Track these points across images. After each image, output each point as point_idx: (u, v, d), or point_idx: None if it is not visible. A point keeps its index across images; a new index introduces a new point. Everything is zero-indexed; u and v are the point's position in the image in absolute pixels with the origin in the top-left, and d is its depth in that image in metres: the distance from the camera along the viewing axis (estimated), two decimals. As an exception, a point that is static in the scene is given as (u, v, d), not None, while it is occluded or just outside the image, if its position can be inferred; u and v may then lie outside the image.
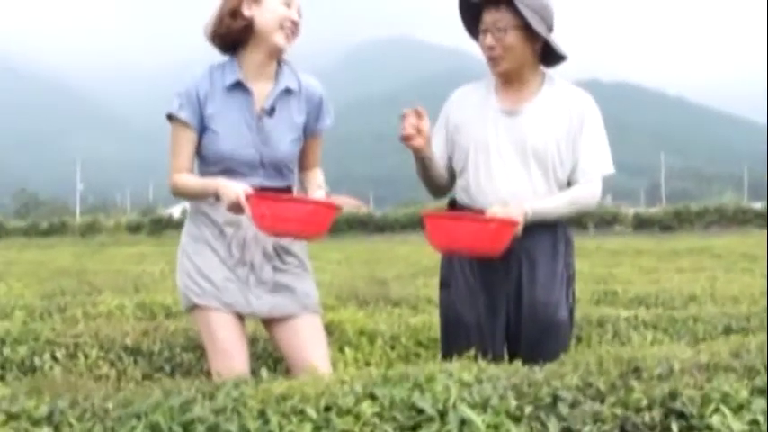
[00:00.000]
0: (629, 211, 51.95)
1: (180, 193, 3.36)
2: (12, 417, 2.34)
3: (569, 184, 3.55)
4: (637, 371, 2.72)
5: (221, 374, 3.20)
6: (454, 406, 2.44)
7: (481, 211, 3.38)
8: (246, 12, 3.25)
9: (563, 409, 2.49)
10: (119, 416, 2.36)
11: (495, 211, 3.33)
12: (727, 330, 5.08)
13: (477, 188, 3.52)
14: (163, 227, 48.28)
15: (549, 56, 3.55)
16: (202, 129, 3.31)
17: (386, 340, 4.65)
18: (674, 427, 2.46)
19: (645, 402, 2.51)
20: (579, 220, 45.88)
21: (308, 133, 3.49)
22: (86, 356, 4.18)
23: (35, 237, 47.47)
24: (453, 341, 3.59)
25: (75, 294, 7.77)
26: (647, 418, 2.49)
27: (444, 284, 3.69)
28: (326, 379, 2.64)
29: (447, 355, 3.49)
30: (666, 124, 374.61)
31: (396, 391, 2.48)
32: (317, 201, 3.26)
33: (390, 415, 2.40)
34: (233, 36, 3.31)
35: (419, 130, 3.42)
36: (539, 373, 2.70)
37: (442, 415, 2.42)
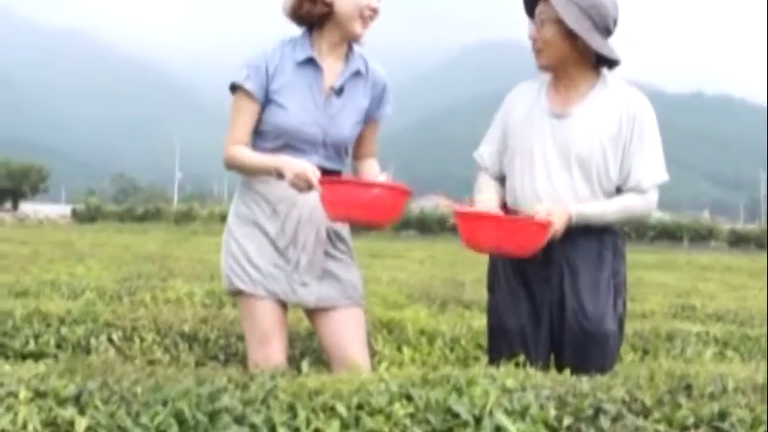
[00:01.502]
0: (725, 226, 50.85)
1: (235, 166, 3.29)
2: (39, 395, 2.33)
3: (620, 190, 3.41)
4: (688, 387, 2.60)
5: (258, 363, 3.18)
6: (491, 412, 2.35)
7: (519, 212, 3.30)
8: None
9: (604, 422, 2.38)
10: (146, 401, 2.33)
11: (537, 211, 3.23)
12: (798, 352, 4.88)
13: (521, 192, 3.42)
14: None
15: (607, 59, 3.40)
16: (266, 102, 3.26)
17: (446, 342, 4.57)
18: (722, 447, 2.35)
19: (692, 420, 2.39)
20: (674, 234, 45.14)
21: (368, 118, 3.44)
22: (142, 340, 4.18)
23: (130, 222, 48.47)
24: (497, 347, 3.50)
25: (148, 279, 7.85)
26: (692, 437, 2.38)
27: (490, 289, 3.62)
28: (363, 376, 2.57)
29: (493, 361, 3.40)
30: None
31: (432, 394, 2.41)
32: (391, 185, 3.13)
33: (424, 417, 2.33)
34: (312, 18, 3.28)
35: None
36: (586, 383, 2.60)
37: (478, 420, 2.34)
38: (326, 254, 3.35)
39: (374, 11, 3.23)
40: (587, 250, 3.38)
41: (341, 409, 2.31)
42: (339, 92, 3.31)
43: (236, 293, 3.33)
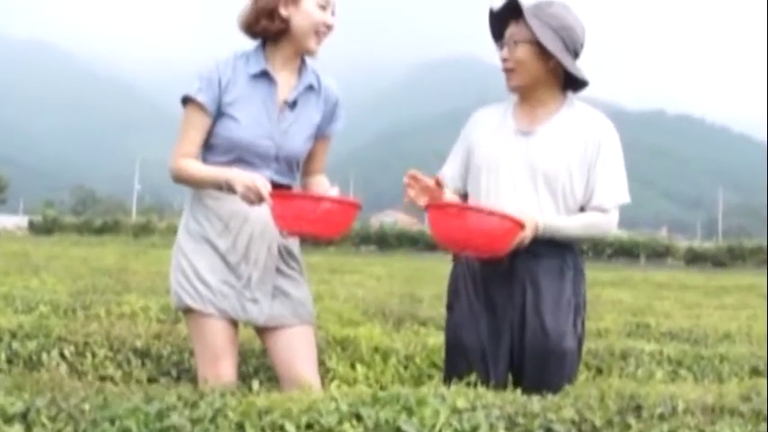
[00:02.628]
0: (683, 244, 51.35)
1: (183, 179, 3.26)
2: (-14, 412, 2.30)
3: (582, 209, 3.45)
4: (637, 408, 2.61)
5: (207, 380, 3.16)
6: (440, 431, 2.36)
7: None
8: (284, 12, 3.20)
9: (552, 443, 2.40)
10: (93, 418, 2.31)
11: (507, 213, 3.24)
12: (754, 372, 4.92)
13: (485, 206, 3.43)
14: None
15: (574, 80, 3.45)
16: (218, 115, 3.24)
17: (400, 359, 4.56)
18: (669, 469, 2.37)
19: (641, 442, 2.41)
20: (631, 251, 45.48)
21: (320, 134, 3.43)
22: (94, 356, 4.15)
23: (88, 234, 48.03)
24: (454, 365, 3.50)
25: (103, 293, 7.77)
26: (640, 458, 2.39)
27: (449, 307, 3.62)
28: (314, 395, 2.56)
29: (448, 378, 3.40)
30: (728, 160, 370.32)
31: (383, 413, 2.41)
32: (341, 199, 3.14)
33: (373, 437, 2.33)
34: (267, 33, 3.28)
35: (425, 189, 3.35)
36: (536, 403, 2.60)
37: (426, 440, 2.35)
38: (278, 270, 3.33)
39: (329, 27, 3.23)
40: (550, 268, 3.40)
41: (290, 428, 2.30)
42: (292, 105, 3.30)
43: (186, 310, 3.30)
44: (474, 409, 2.53)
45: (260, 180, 3.05)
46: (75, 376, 3.97)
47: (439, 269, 15.51)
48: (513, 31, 3.37)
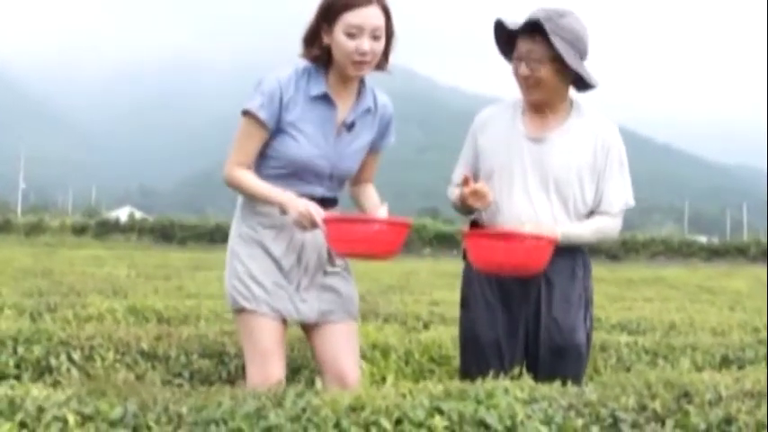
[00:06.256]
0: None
1: (236, 187, 3.33)
2: (87, 418, 2.33)
3: (590, 213, 3.62)
4: (687, 395, 2.77)
5: (253, 379, 3.25)
6: (522, 423, 2.48)
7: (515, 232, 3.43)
8: (326, 39, 3.25)
9: (626, 429, 2.54)
10: (194, 420, 2.36)
11: (528, 229, 3.38)
12: (725, 360, 5.17)
13: (497, 211, 3.58)
14: (109, 230, 47.83)
15: (580, 82, 3.60)
16: (277, 131, 3.30)
17: (399, 356, 4.66)
18: (732, 451, 2.55)
19: (702, 427, 2.57)
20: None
21: (372, 148, 3.53)
22: (103, 359, 4.14)
23: (-24, 234, 46.58)
24: (472, 361, 3.64)
25: (50, 294, 7.66)
26: (707, 441, 2.56)
27: (464, 305, 3.74)
28: (392, 392, 2.64)
29: (466, 374, 3.53)
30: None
31: (462, 406, 2.51)
32: (392, 221, 3.26)
33: (462, 429, 2.44)
34: (318, 61, 3.33)
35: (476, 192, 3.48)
36: (590, 393, 2.74)
37: (510, 431, 2.47)
38: (326, 272, 3.43)
39: (363, 54, 3.21)
40: (563, 268, 3.57)
41: (385, 423, 2.39)
42: (350, 127, 3.39)
43: (239, 311, 3.36)
44: (536, 400, 2.67)
45: (313, 207, 3.15)
46: (87, 380, 3.96)
47: (376, 264, 15.38)
48: (530, 47, 3.46)
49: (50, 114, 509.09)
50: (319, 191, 3.36)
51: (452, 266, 15.37)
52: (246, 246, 3.37)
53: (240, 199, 3.44)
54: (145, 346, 4.24)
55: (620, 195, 3.63)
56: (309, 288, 3.38)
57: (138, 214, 71.77)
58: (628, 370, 4.78)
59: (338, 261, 3.46)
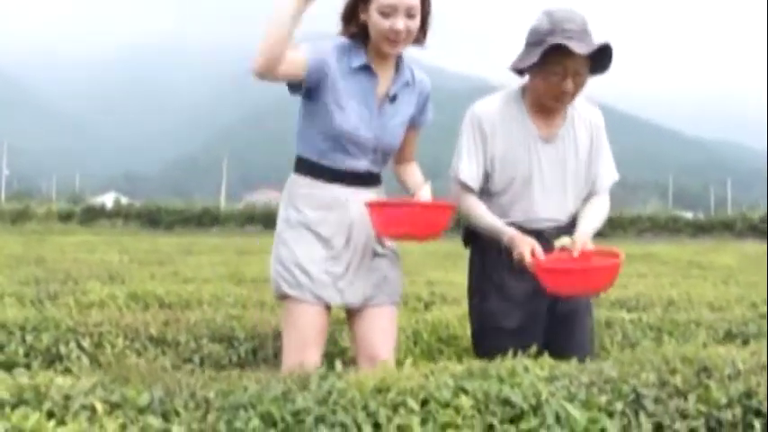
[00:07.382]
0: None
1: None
2: (115, 406, 2.32)
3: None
4: (706, 370, 2.79)
5: (288, 364, 3.24)
6: (547, 401, 2.49)
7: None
8: (363, 16, 3.27)
9: (649, 405, 2.56)
10: (222, 405, 2.35)
11: (563, 243, 3.37)
12: (729, 335, 5.20)
13: (513, 210, 3.59)
14: (95, 216, 47.71)
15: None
16: (320, 102, 3.30)
17: (408, 336, 4.67)
18: (757, 424, 2.56)
19: (724, 401, 2.60)
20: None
21: (411, 124, 3.54)
22: (113, 346, 4.13)
23: (-41, 221, 46.39)
24: (490, 344, 3.60)
25: (47, 282, 7.64)
26: (729, 415, 2.58)
27: (477, 292, 3.72)
28: (415, 373, 2.64)
29: (483, 355, 3.52)
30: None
31: (486, 386, 2.52)
32: (438, 204, 3.32)
33: (488, 408, 2.44)
34: (355, 37, 3.35)
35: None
36: (610, 370, 2.75)
37: (535, 409, 2.47)
38: (374, 253, 3.44)
39: (397, 32, 3.21)
40: None
41: (412, 404, 2.39)
42: (392, 99, 3.40)
43: (282, 297, 3.36)
44: (556, 378, 2.68)
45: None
46: (98, 367, 3.96)
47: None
48: (576, 66, 3.37)
49: (34, 102, 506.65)
50: (364, 164, 3.37)
51: (444, 246, 15.38)
52: (293, 230, 3.36)
53: (287, 184, 3.45)
54: (153, 331, 4.25)
55: (610, 172, 3.74)
56: (359, 269, 3.38)
57: (124, 200, 71.53)
58: (633, 347, 4.80)
59: (387, 243, 3.47)
